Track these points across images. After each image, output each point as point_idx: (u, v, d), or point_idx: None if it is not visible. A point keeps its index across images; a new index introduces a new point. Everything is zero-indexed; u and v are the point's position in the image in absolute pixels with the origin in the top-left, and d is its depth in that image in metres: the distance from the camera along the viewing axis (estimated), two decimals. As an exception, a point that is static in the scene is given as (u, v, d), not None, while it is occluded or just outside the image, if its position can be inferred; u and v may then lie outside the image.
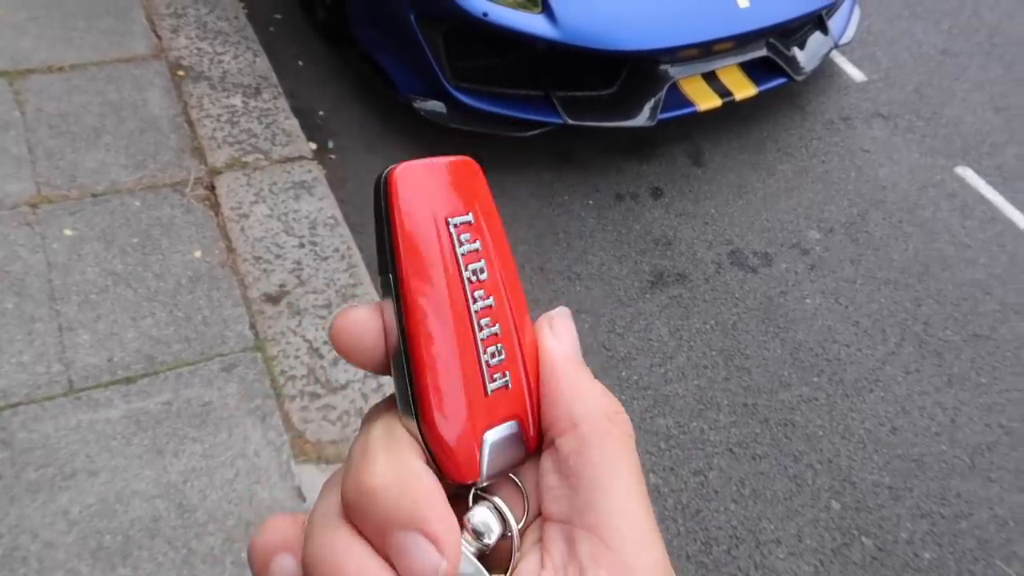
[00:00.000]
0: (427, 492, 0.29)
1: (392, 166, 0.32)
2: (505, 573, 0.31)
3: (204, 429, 2.02)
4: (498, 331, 0.32)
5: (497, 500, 0.32)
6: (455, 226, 0.31)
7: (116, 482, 1.89)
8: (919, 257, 2.95)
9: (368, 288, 2.42)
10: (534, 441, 0.33)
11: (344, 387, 2.18)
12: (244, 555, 1.82)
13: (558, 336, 0.33)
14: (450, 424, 0.30)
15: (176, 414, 2.04)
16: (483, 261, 0.32)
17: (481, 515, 0.31)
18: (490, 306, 0.32)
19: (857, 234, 3.01)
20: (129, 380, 2.09)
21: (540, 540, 0.32)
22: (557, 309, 0.35)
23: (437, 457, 0.31)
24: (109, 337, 2.17)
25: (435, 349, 0.30)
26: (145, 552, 1.80)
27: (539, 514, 0.32)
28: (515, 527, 0.31)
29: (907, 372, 2.59)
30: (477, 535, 0.31)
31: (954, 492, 2.32)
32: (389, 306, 0.32)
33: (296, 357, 2.22)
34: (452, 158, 0.33)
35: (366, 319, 0.32)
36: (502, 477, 0.32)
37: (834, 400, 2.50)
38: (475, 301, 0.31)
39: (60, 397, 2.02)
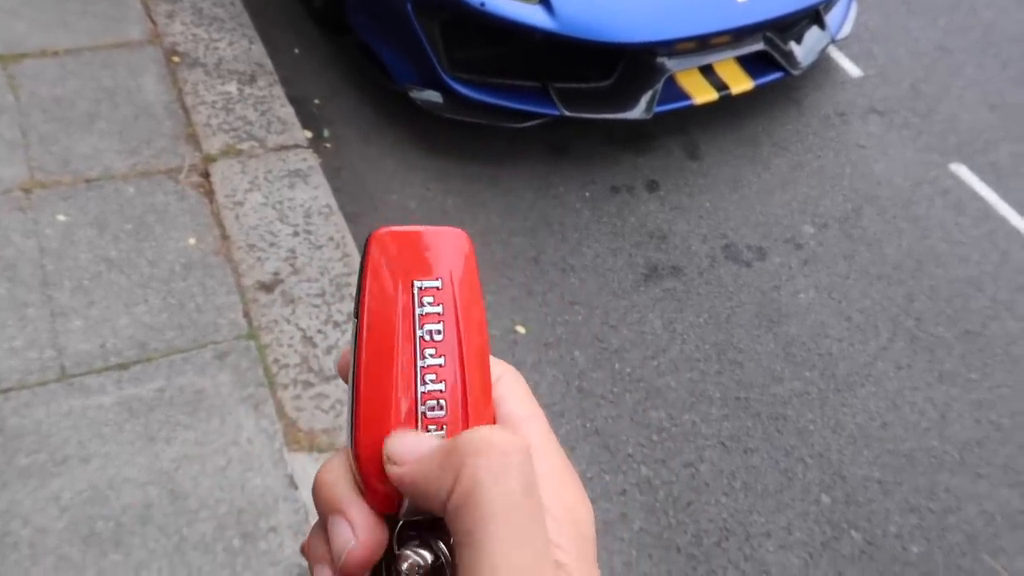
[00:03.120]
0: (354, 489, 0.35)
1: (377, 228, 0.36)
2: None
3: (197, 416, 2.02)
4: (442, 388, 0.35)
5: (425, 534, 0.35)
6: (419, 289, 0.35)
7: (108, 468, 1.89)
8: (912, 253, 2.96)
9: (362, 277, 2.42)
10: None
11: (337, 376, 2.18)
12: (236, 543, 1.83)
13: (401, 463, 0.34)
14: (374, 460, 0.34)
15: (169, 401, 2.04)
16: (441, 323, 0.35)
17: (410, 550, 0.34)
18: (439, 365, 0.35)
19: (851, 229, 3.01)
20: (122, 367, 2.08)
21: None
22: (386, 443, 0.35)
23: (363, 484, 0.35)
24: (102, 323, 2.16)
25: (373, 392, 0.34)
26: (137, 538, 1.80)
27: None
28: (446, 556, 0.34)
29: (899, 367, 2.61)
30: (411, 565, 0.34)
31: (943, 487, 2.34)
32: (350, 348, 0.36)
33: (289, 346, 2.22)
34: (439, 228, 0.37)
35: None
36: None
37: (826, 395, 2.51)
38: (423, 358, 0.35)
39: (52, 383, 2.02)
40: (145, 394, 2.04)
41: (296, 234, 2.49)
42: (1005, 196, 3.22)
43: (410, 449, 0.34)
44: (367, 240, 0.36)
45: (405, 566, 0.34)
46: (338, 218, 2.57)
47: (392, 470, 0.34)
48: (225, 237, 2.44)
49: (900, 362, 2.62)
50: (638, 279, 2.74)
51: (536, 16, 2.63)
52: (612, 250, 2.81)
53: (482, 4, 2.61)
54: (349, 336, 0.36)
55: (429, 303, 0.35)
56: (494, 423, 0.36)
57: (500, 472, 0.31)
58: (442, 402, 0.35)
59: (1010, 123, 3.55)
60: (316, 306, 2.32)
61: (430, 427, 0.35)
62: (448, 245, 0.37)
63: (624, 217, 2.92)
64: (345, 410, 0.37)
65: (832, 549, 2.17)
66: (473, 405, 0.35)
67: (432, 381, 0.35)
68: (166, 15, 3.09)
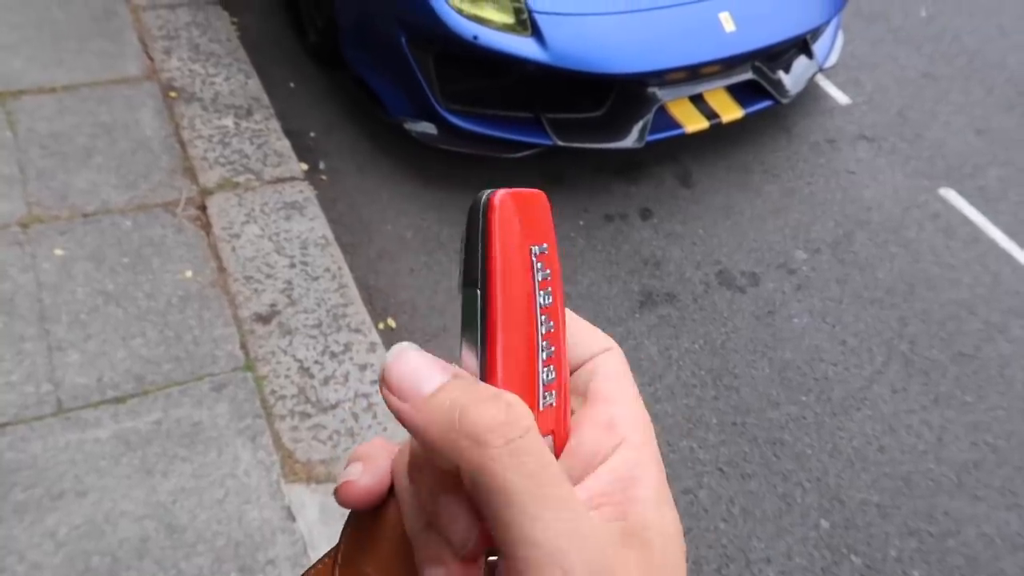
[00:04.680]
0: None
1: (489, 192, 0.34)
2: None
3: (194, 449, 2.02)
4: (553, 353, 0.34)
5: None
6: (536, 255, 0.34)
7: (104, 502, 1.88)
8: (904, 277, 2.99)
9: (359, 308, 2.43)
10: (558, 455, 0.35)
11: (334, 407, 2.18)
12: (234, 575, 1.82)
13: (399, 394, 0.32)
14: None
15: (166, 434, 2.03)
16: (550, 288, 0.34)
17: None
18: (551, 330, 0.34)
19: (843, 254, 3.04)
20: (119, 400, 2.08)
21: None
22: (385, 360, 0.33)
23: None
24: (99, 357, 2.16)
25: (509, 368, 0.33)
26: (134, 573, 1.79)
27: None
28: None
29: (894, 391, 2.62)
30: None
31: (942, 510, 2.34)
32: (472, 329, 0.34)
33: (286, 377, 2.22)
34: (530, 190, 0.35)
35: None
36: None
37: (822, 419, 2.51)
38: (541, 324, 0.34)
39: (49, 417, 2.01)
40: (142, 427, 2.04)
41: (293, 265, 2.50)
42: (994, 219, 3.25)
43: (414, 381, 0.32)
44: (486, 205, 0.33)
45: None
46: (334, 249, 2.58)
47: (394, 404, 0.33)
48: (222, 269, 2.45)
49: (895, 385, 2.63)
50: (633, 306, 2.75)
51: (528, 48, 2.68)
52: (607, 277, 2.83)
53: (475, 37, 2.65)
54: (459, 310, 0.34)
55: (541, 268, 0.34)
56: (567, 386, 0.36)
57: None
58: (553, 368, 0.34)
59: (996, 147, 3.60)
60: (313, 337, 2.32)
61: (547, 393, 0.34)
62: (541, 206, 0.35)
63: (618, 245, 2.94)
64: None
65: (833, 574, 2.17)
66: (566, 371, 0.35)
67: (546, 347, 0.34)
68: (163, 51, 3.13)
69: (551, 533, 0.28)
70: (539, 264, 0.34)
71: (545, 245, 0.34)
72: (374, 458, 0.37)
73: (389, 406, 0.32)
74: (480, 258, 0.33)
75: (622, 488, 0.32)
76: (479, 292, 0.33)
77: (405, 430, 0.32)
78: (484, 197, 0.34)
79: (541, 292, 0.34)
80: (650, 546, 0.31)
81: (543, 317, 0.34)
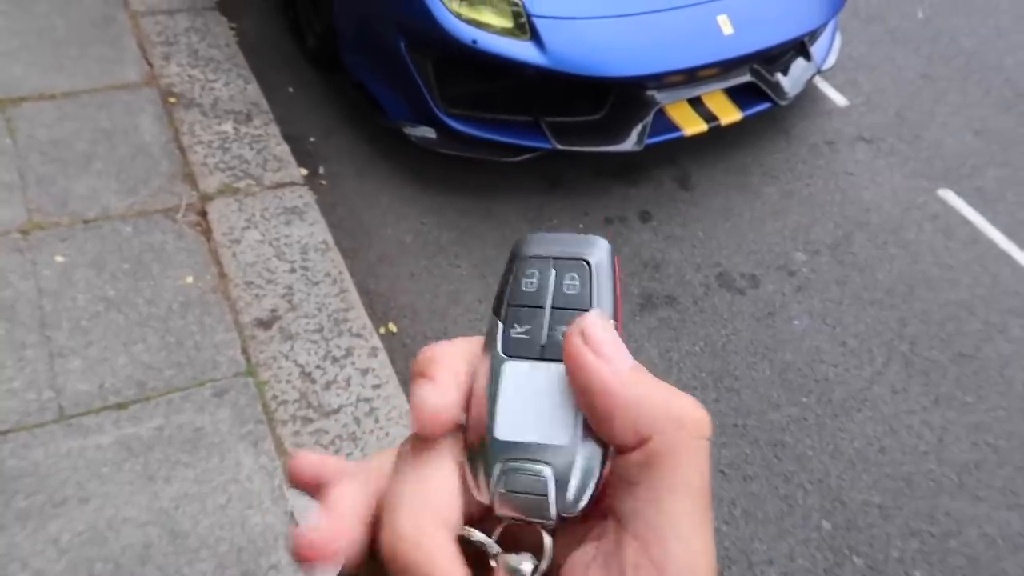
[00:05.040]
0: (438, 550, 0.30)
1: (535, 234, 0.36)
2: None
3: (196, 455, 2.02)
4: None
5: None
6: None
7: (107, 509, 1.88)
8: (904, 278, 2.99)
9: (360, 312, 2.43)
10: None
11: (336, 411, 2.18)
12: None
13: (597, 351, 0.32)
14: None
15: (167, 440, 2.03)
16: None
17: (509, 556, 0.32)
18: None
19: (842, 256, 3.05)
20: (120, 406, 2.08)
21: (596, 531, 0.32)
22: (588, 316, 0.33)
23: None
24: (100, 363, 2.16)
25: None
26: (136, 579, 1.79)
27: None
28: (547, 556, 0.31)
29: (894, 392, 2.62)
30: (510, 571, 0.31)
31: (943, 510, 2.34)
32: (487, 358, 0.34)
33: (288, 382, 2.22)
34: (588, 237, 0.36)
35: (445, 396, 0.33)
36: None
37: (823, 420, 2.52)
38: None
39: (51, 424, 2.02)
40: (144, 433, 2.04)
41: (293, 270, 2.50)
42: (993, 220, 3.26)
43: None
44: (607, 254, 0.35)
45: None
46: (335, 254, 2.59)
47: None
48: (223, 275, 2.45)
49: (896, 386, 2.64)
50: (633, 309, 2.76)
51: (527, 52, 2.68)
52: (607, 280, 2.82)
53: (474, 41, 2.66)
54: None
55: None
56: None
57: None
58: None
59: (994, 148, 3.61)
60: (314, 342, 2.33)
61: None
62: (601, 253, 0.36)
63: (618, 248, 2.95)
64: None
65: (835, 575, 2.17)
66: None
67: None
68: (162, 57, 3.14)
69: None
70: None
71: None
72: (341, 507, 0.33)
73: (579, 360, 0.32)
74: (507, 292, 0.35)
75: None
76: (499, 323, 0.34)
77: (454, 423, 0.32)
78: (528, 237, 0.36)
79: None
80: None
81: None
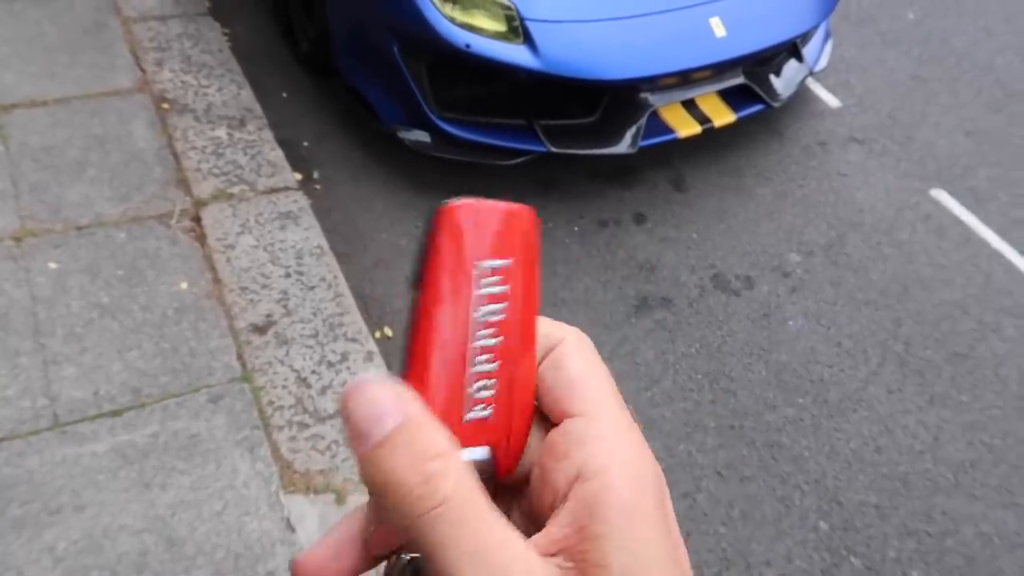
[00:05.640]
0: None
1: (449, 201, 0.34)
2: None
3: (192, 461, 2.01)
4: (494, 368, 0.34)
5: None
6: (483, 268, 0.34)
7: (103, 517, 1.87)
8: (897, 278, 3.00)
9: (355, 317, 2.43)
10: (505, 469, 0.35)
11: (332, 416, 2.18)
12: (234, 588, 1.81)
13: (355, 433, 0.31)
14: None
15: (163, 447, 2.03)
16: (504, 303, 0.34)
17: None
18: (494, 346, 0.34)
19: (836, 256, 3.06)
20: (115, 413, 2.07)
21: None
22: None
23: None
24: (95, 370, 2.15)
25: (423, 369, 0.33)
26: (133, 587, 1.78)
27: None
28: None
29: (890, 391, 2.63)
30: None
31: (939, 510, 2.35)
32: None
33: (284, 387, 2.21)
34: (509, 205, 0.35)
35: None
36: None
37: (819, 420, 2.52)
38: (478, 339, 0.34)
39: (45, 431, 2.01)
40: (139, 440, 2.03)
41: (288, 275, 2.50)
42: (985, 220, 3.27)
43: (369, 421, 0.31)
44: (435, 212, 0.34)
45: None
46: (330, 258, 2.58)
47: (352, 444, 0.32)
48: (217, 280, 2.44)
49: (891, 386, 2.64)
50: (629, 311, 2.76)
51: (521, 56, 2.69)
52: (602, 283, 2.83)
53: (468, 45, 2.66)
54: (406, 313, 0.35)
55: (491, 283, 0.34)
56: (532, 407, 0.35)
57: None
58: (492, 380, 0.34)
59: (986, 148, 3.63)
60: (310, 347, 2.32)
61: (476, 406, 0.34)
62: (517, 222, 0.35)
63: (613, 250, 2.95)
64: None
65: (832, 576, 2.17)
66: (520, 384, 0.35)
67: (485, 361, 0.34)
68: (155, 63, 3.13)
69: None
70: (492, 278, 0.34)
71: (504, 260, 0.34)
72: (337, 531, 0.34)
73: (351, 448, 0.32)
74: (420, 265, 0.34)
75: (578, 529, 0.30)
76: (412, 293, 0.34)
77: None
78: (438, 205, 0.34)
79: (487, 306, 0.34)
80: None
81: (485, 331, 0.34)
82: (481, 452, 0.34)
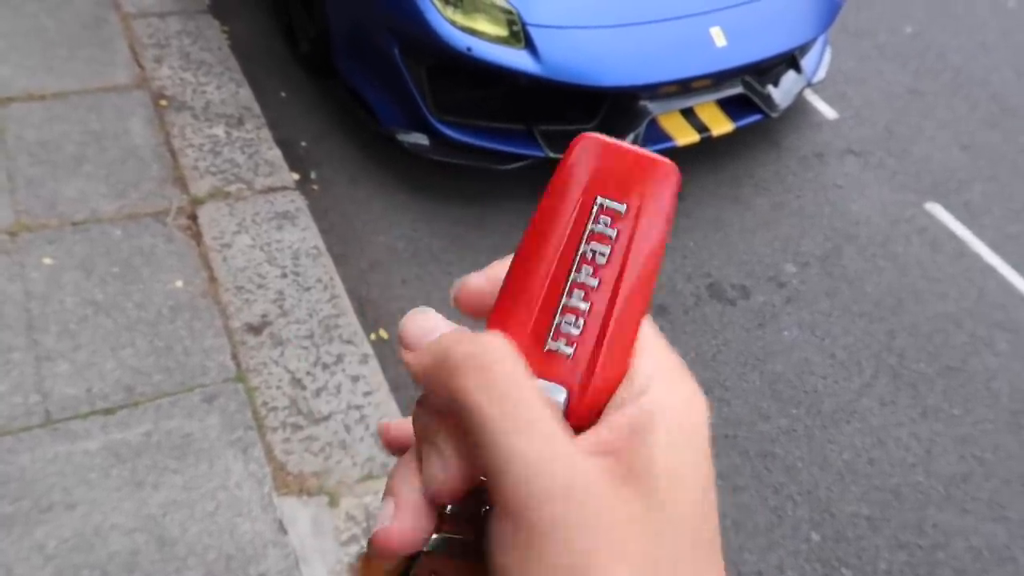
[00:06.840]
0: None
1: (587, 133, 0.35)
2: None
3: (184, 461, 2.00)
4: (586, 308, 0.33)
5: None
6: (599, 206, 0.34)
7: (94, 515, 1.86)
8: (892, 291, 3.01)
9: (351, 319, 2.42)
10: (580, 420, 0.33)
11: (326, 418, 2.17)
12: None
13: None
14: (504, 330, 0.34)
15: (156, 446, 2.01)
16: (609, 247, 0.34)
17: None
18: (591, 285, 0.33)
19: (832, 268, 3.07)
20: (108, 411, 2.06)
21: None
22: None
23: None
24: (88, 367, 2.14)
25: (515, 289, 0.34)
26: (123, 587, 1.77)
27: None
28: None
29: (883, 404, 2.64)
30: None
31: (931, 522, 2.35)
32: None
33: (278, 388, 2.20)
34: (650, 155, 0.35)
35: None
36: None
37: (812, 431, 2.53)
38: (578, 272, 0.33)
39: (37, 428, 1.99)
40: (132, 439, 2.02)
41: (284, 276, 2.49)
42: (979, 234, 3.29)
43: (420, 334, 0.34)
44: (574, 140, 0.34)
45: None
46: (326, 259, 2.58)
47: (403, 355, 0.33)
48: (213, 279, 2.43)
49: (884, 398, 2.65)
50: (624, 318, 2.75)
51: (522, 61, 2.69)
52: (598, 289, 2.83)
53: (469, 49, 2.66)
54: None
55: (604, 223, 0.33)
56: (625, 373, 0.33)
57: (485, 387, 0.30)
58: (580, 321, 0.33)
59: (981, 163, 3.65)
60: (305, 348, 2.31)
61: (559, 339, 0.33)
62: (652, 173, 0.35)
63: (609, 257, 2.95)
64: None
65: (823, 587, 2.18)
66: (612, 339, 0.33)
67: (579, 298, 0.33)
68: (154, 59, 3.12)
69: (518, 454, 0.28)
70: (602, 218, 0.34)
71: (623, 204, 0.34)
72: (404, 494, 0.32)
73: (402, 358, 0.34)
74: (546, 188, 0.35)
75: (629, 434, 0.30)
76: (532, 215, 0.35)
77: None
78: (580, 134, 0.35)
79: (591, 244, 0.33)
80: (653, 486, 0.29)
81: (587, 268, 0.33)
82: (555, 389, 0.33)
